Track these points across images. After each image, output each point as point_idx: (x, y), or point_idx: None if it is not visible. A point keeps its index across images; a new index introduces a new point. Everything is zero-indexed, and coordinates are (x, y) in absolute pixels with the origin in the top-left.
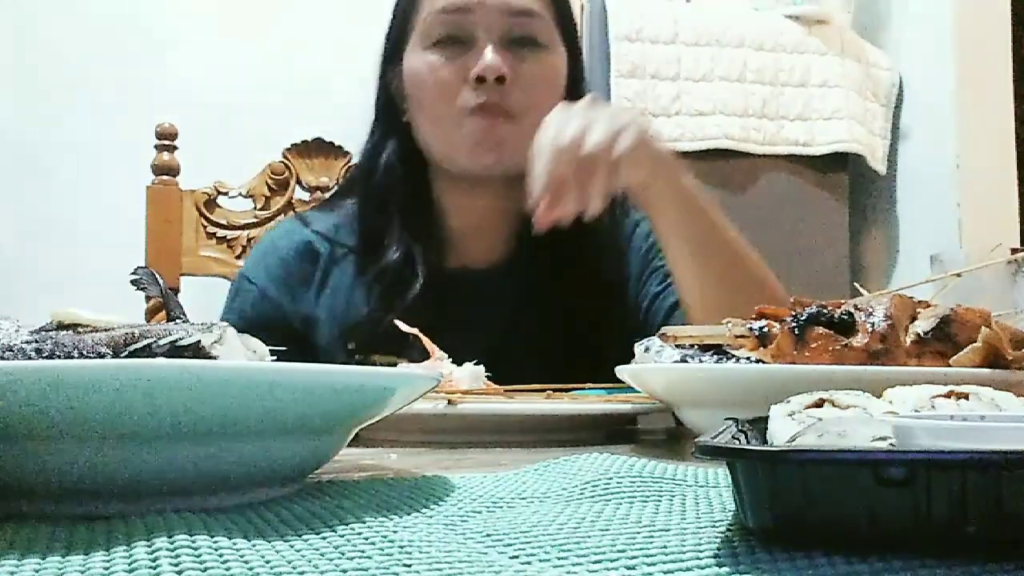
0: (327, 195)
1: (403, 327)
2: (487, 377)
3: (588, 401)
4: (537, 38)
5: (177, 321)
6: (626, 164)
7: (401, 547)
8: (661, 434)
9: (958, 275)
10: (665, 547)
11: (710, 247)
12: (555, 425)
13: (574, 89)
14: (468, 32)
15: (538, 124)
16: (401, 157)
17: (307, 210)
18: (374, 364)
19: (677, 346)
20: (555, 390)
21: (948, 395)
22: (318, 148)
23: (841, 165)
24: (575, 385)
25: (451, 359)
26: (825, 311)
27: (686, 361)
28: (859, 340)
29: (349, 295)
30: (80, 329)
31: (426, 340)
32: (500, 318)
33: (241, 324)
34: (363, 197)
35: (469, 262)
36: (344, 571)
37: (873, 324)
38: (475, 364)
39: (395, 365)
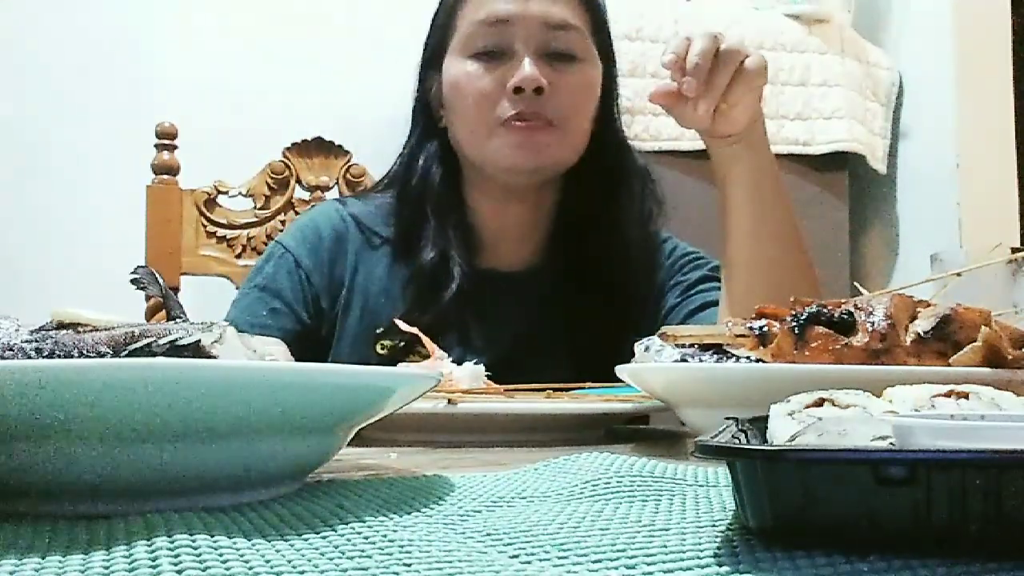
0: (366, 189)
1: (403, 326)
2: (488, 376)
3: (588, 400)
4: (574, 51)
5: (177, 320)
6: (741, 92)
7: (401, 547)
8: (663, 434)
9: (958, 275)
10: (665, 547)
11: (773, 209)
12: (555, 425)
13: (608, 99)
14: (508, 44)
15: (574, 134)
16: (438, 160)
17: (348, 195)
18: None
19: (677, 346)
20: (555, 389)
21: (948, 395)
22: (318, 148)
23: (841, 165)
24: (574, 384)
25: (475, 359)
26: (825, 311)
27: (686, 361)
28: (859, 340)
29: (382, 284)
30: (80, 329)
31: (426, 339)
32: (525, 320)
33: (269, 288)
34: (400, 196)
35: (498, 264)
36: (344, 571)
37: (873, 324)
38: (475, 363)
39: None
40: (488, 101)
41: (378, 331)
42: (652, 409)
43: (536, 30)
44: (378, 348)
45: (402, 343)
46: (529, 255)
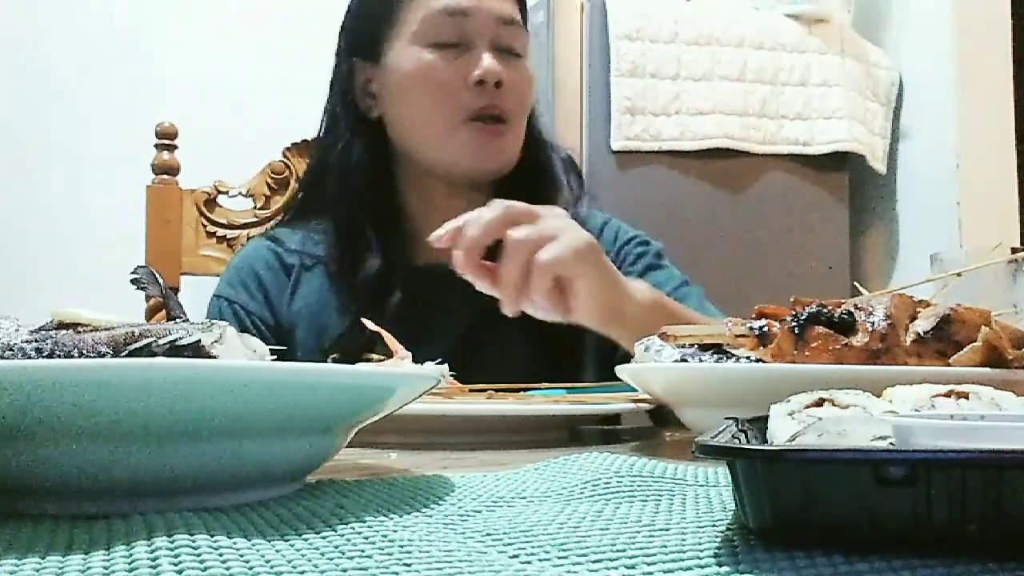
0: (287, 211)
1: (370, 325)
2: (453, 376)
3: (588, 401)
4: (518, 47)
5: (177, 320)
6: (540, 286)
7: (401, 547)
8: (636, 434)
9: (958, 275)
10: (665, 547)
11: None
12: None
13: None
14: (466, 36)
15: (520, 130)
16: (369, 158)
17: (271, 230)
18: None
19: (677, 346)
20: (497, 390)
21: (948, 394)
22: None
23: (841, 165)
24: (529, 385)
25: (424, 358)
26: (825, 311)
27: (686, 361)
28: (859, 340)
29: (321, 301)
30: (80, 329)
31: (390, 338)
32: (469, 315)
33: None
34: (335, 203)
35: (435, 259)
36: (344, 571)
37: (873, 324)
38: (438, 363)
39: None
40: (448, 93)
41: (326, 346)
42: (627, 410)
43: (492, 24)
44: (329, 361)
45: (353, 349)
46: None
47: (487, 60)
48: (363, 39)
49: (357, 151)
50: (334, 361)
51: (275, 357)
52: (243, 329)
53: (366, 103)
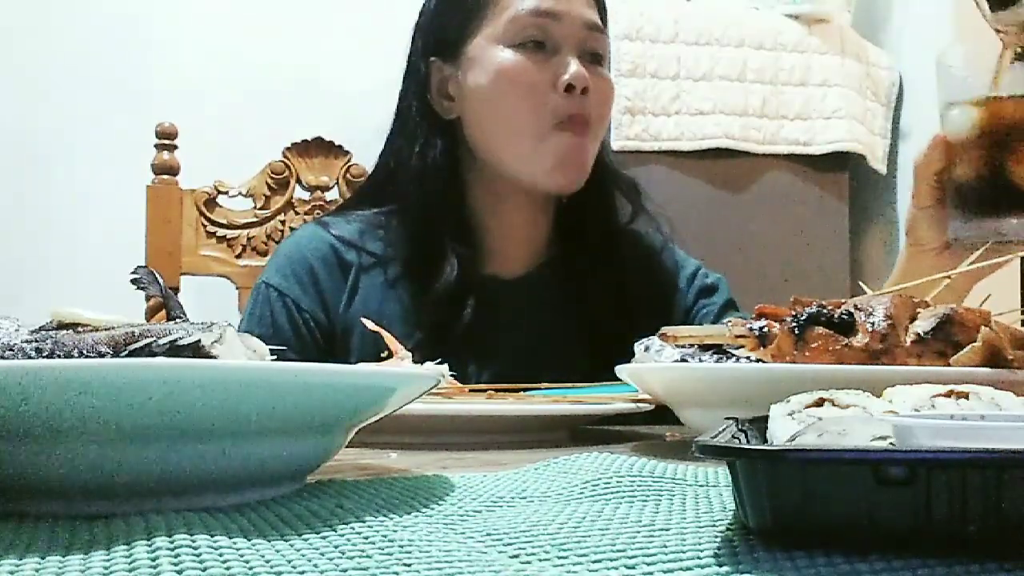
0: (344, 201)
1: (370, 325)
2: (453, 376)
3: (590, 401)
4: (604, 54)
5: (177, 320)
6: None
7: (401, 547)
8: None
9: (949, 277)
10: (665, 547)
11: None
12: (557, 424)
13: None
14: (552, 39)
15: (600, 139)
16: (445, 161)
17: (325, 216)
18: None
19: (677, 346)
20: (497, 390)
21: (948, 395)
22: (318, 148)
23: (841, 164)
24: (529, 385)
25: (489, 371)
26: (825, 311)
27: (686, 361)
28: (859, 340)
29: (382, 307)
30: (80, 329)
31: (389, 338)
32: (528, 326)
33: (271, 335)
34: (409, 205)
35: (498, 270)
36: (344, 571)
37: (873, 324)
38: (438, 363)
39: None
40: (537, 96)
41: (382, 356)
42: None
43: (579, 29)
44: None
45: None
46: (530, 258)
47: (575, 65)
48: (443, 38)
49: (433, 153)
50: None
51: (275, 357)
52: (294, 326)
53: (443, 104)
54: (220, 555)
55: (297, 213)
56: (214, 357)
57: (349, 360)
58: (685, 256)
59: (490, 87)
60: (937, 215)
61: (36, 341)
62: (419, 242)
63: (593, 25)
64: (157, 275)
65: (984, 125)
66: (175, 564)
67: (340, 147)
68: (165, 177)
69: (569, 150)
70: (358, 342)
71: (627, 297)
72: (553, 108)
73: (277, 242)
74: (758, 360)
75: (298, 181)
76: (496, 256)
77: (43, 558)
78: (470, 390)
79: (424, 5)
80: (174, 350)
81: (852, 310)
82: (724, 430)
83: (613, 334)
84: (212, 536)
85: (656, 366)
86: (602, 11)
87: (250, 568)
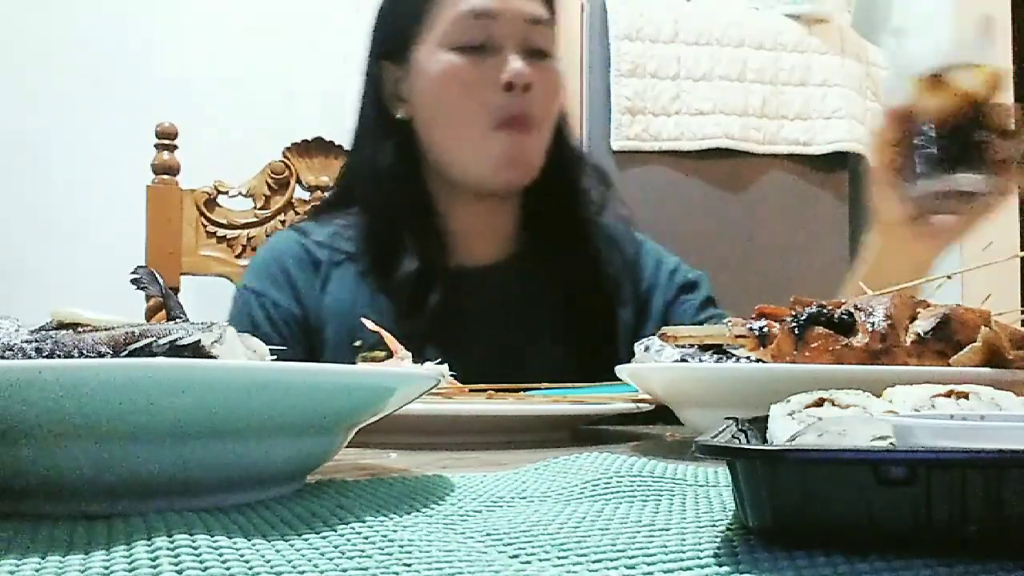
0: (317, 205)
1: (369, 325)
2: (454, 376)
3: (590, 401)
4: (549, 47)
5: (177, 320)
6: None
7: (401, 547)
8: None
9: (949, 277)
10: (665, 547)
11: None
12: (557, 424)
13: None
14: (492, 38)
15: (546, 135)
16: (399, 160)
17: (300, 223)
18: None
19: (677, 346)
20: (497, 390)
21: (948, 395)
22: (318, 148)
23: (841, 164)
24: (529, 385)
25: (460, 361)
26: (825, 311)
27: (686, 361)
28: (859, 340)
29: (352, 299)
30: (80, 329)
31: (389, 338)
32: (500, 316)
33: (252, 335)
34: (368, 204)
35: (465, 260)
36: (344, 571)
37: (873, 324)
38: (439, 362)
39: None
40: (476, 96)
41: (355, 344)
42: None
43: (520, 26)
44: (359, 361)
45: (385, 353)
46: (497, 248)
47: (515, 63)
48: (391, 41)
49: (387, 153)
50: (362, 360)
51: (275, 357)
52: (271, 323)
53: (395, 105)
54: (220, 555)
55: (297, 213)
56: (214, 357)
57: (324, 352)
58: (665, 251)
59: (433, 90)
60: (897, 184)
61: (36, 341)
62: (376, 232)
63: (535, 19)
64: (157, 275)
65: (936, 92)
66: (175, 564)
67: (340, 147)
68: (165, 177)
69: (511, 149)
70: (332, 333)
71: (602, 286)
72: (494, 108)
73: None
74: (758, 360)
75: (298, 181)
76: (462, 247)
77: (43, 558)
78: (470, 390)
79: (377, 8)
80: (174, 350)
81: (852, 310)
82: (724, 430)
83: (589, 323)
84: (212, 536)
85: (656, 366)
86: (549, 1)
87: (250, 568)
